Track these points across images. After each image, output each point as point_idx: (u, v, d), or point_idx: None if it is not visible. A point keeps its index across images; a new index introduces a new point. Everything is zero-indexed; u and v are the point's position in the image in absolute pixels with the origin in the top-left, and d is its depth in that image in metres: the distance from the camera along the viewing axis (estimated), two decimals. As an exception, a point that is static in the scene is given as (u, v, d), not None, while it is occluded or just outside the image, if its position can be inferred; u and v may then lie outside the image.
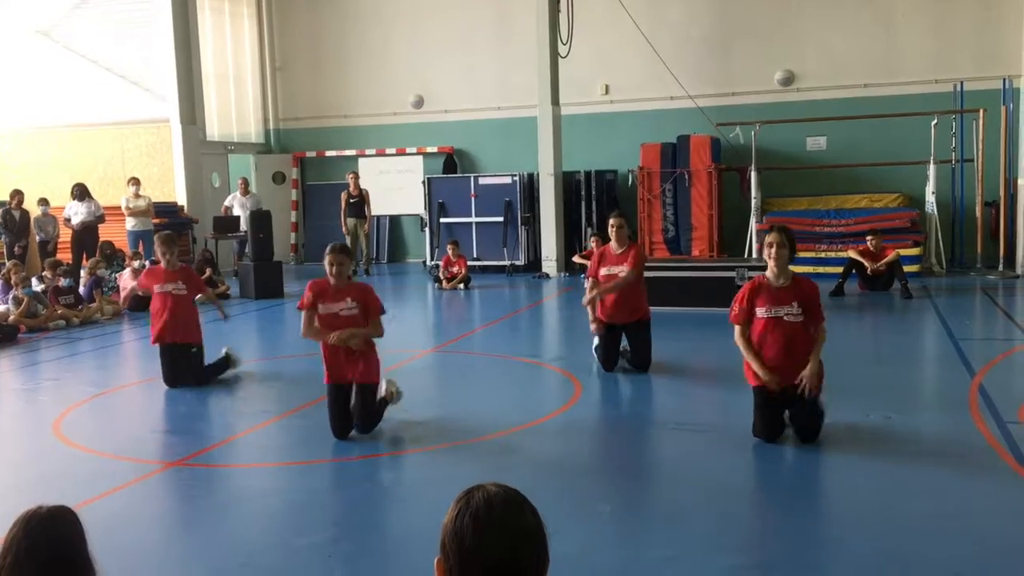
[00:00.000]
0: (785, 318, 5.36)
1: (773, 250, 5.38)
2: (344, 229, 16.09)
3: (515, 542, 1.70)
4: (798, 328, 5.38)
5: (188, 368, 7.65)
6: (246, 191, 16.43)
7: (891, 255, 12.01)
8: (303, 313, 5.98)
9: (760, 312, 5.41)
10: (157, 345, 7.62)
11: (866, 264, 12.07)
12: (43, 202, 14.58)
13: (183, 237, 16.00)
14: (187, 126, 16.01)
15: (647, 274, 11.16)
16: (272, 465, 5.73)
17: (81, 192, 14.36)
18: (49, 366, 9.27)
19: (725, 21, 16.27)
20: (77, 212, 14.25)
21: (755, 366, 5.43)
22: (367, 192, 16.16)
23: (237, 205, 16.24)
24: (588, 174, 16.03)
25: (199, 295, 7.93)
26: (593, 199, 15.95)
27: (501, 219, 15.98)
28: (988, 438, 5.56)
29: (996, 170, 14.00)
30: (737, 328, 5.53)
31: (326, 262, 5.96)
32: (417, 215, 17.81)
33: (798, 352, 5.38)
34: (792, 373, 5.40)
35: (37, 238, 14.42)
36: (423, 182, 16.80)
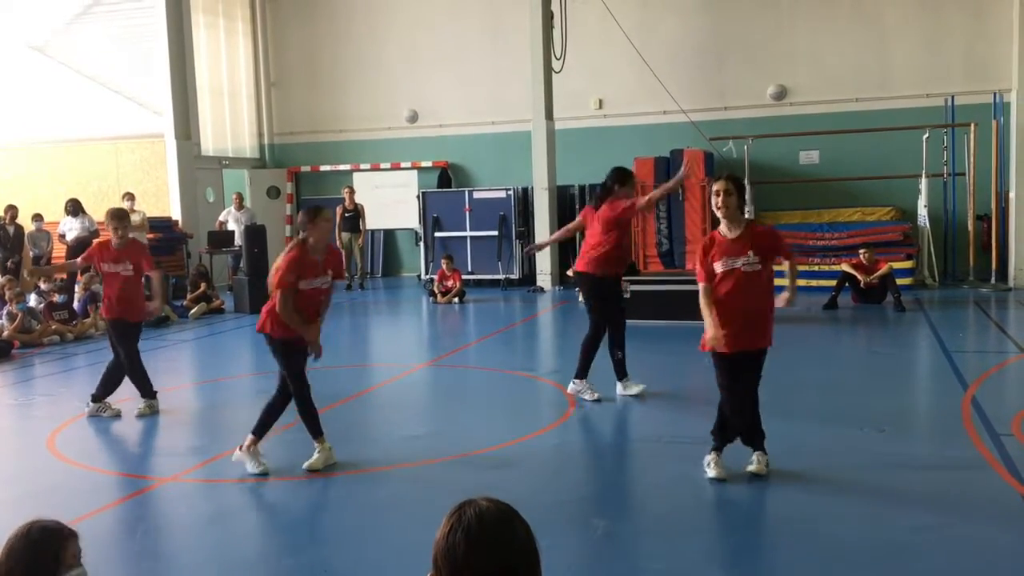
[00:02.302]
0: (742, 268, 5.07)
1: (720, 199, 5.08)
2: (339, 243, 16.11)
3: (507, 557, 1.71)
4: (755, 278, 5.09)
5: (117, 343, 7.33)
6: (241, 206, 16.45)
7: (884, 268, 12.07)
8: (282, 294, 5.44)
9: (717, 267, 5.15)
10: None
11: (859, 277, 12.12)
12: (37, 218, 14.58)
13: (177, 252, 16.03)
14: (182, 141, 16.04)
15: (644, 287, 11.27)
16: (265, 481, 5.72)
17: (75, 207, 14.36)
18: (43, 381, 9.25)
19: (718, 36, 16.37)
20: (71, 228, 14.25)
21: (707, 323, 5.15)
22: (362, 206, 16.19)
23: (232, 220, 16.25)
24: (582, 188, 16.09)
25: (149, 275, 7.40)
26: (587, 213, 15.98)
27: (495, 233, 16.00)
28: (981, 450, 5.58)
29: (987, 183, 14.09)
30: (702, 287, 5.20)
31: (320, 230, 5.54)
32: (412, 229, 17.84)
33: (757, 302, 5.12)
34: (750, 332, 5.14)
35: (31, 253, 14.40)
36: (418, 196, 16.84)
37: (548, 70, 15.21)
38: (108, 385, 7.37)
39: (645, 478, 5.67)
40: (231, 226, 16.17)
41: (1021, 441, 5.78)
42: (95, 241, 7.55)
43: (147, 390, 7.39)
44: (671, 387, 7.78)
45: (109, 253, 7.22)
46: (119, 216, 7.26)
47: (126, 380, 7.42)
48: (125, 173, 17.53)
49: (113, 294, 7.22)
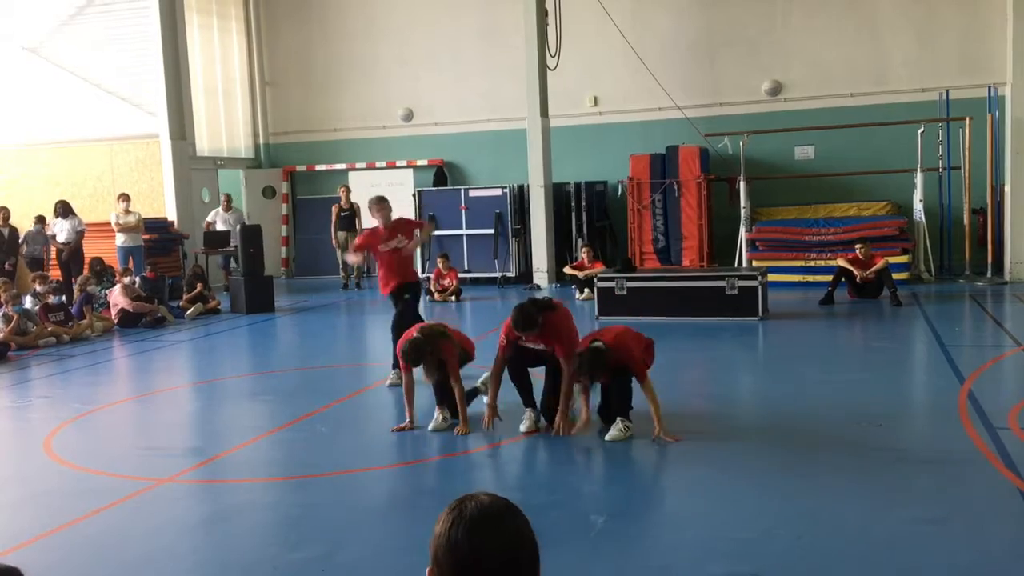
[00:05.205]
0: None
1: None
2: (335, 243, 16.12)
3: (507, 552, 1.70)
4: None
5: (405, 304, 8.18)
6: (228, 207, 16.44)
7: (880, 263, 12.07)
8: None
9: None
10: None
11: (855, 272, 12.12)
12: (39, 220, 14.56)
13: (173, 252, 16.01)
14: (176, 141, 16.00)
15: (641, 284, 11.28)
16: (264, 480, 5.72)
17: (64, 209, 14.35)
18: (39, 383, 9.24)
19: (712, 32, 16.37)
20: (62, 229, 14.24)
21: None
22: (358, 205, 16.18)
23: (220, 221, 16.23)
24: (578, 185, 16.07)
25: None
26: (583, 210, 15.99)
27: (492, 231, 16.00)
28: (978, 444, 5.59)
29: (983, 177, 14.10)
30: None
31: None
32: (408, 228, 17.81)
33: None
34: None
35: (24, 254, 14.36)
36: (413, 195, 16.82)
37: (543, 67, 15.20)
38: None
39: (643, 473, 5.68)
40: (219, 227, 16.14)
41: (1017, 434, 5.80)
42: (365, 230, 8.56)
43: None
44: (668, 383, 7.76)
45: (380, 236, 8.12)
46: (378, 201, 8.22)
47: (117, 384, 7.44)
48: (120, 174, 17.45)
49: (392, 267, 8.14)
